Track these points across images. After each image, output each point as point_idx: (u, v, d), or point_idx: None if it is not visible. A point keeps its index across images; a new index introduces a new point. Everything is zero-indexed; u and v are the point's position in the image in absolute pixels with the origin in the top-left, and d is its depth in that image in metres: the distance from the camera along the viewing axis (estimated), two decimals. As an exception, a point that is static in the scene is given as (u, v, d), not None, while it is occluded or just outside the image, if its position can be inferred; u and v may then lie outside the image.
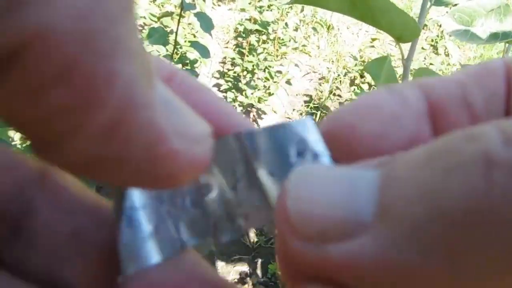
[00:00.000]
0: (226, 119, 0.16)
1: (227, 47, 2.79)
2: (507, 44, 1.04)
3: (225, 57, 2.70)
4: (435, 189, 0.10)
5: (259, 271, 1.55)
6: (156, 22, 1.70)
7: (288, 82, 2.45)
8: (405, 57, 0.68)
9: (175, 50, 1.85)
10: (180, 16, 1.11)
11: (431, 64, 3.11)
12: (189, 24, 2.06)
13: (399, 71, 0.69)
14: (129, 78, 0.10)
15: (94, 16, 0.10)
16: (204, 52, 1.26)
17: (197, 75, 1.96)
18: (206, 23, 1.10)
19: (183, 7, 1.09)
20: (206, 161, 0.13)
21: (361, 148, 0.14)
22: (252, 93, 2.28)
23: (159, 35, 1.21)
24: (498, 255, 0.09)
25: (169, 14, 1.56)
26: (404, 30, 0.62)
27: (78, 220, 0.15)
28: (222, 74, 2.56)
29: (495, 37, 0.88)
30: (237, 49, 2.47)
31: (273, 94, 2.42)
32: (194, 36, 2.06)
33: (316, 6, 0.57)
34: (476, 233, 0.09)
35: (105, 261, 0.15)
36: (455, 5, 0.83)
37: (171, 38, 1.33)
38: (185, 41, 1.74)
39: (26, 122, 0.10)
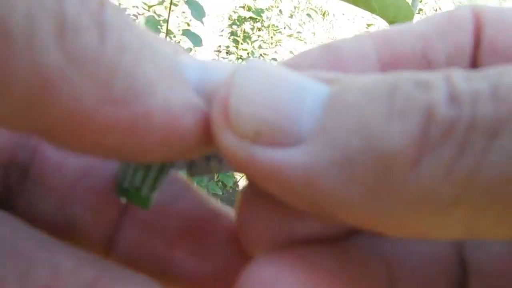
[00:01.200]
0: None
1: (221, 35, 2.77)
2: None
3: (219, 46, 2.68)
4: (376, 128, 0.10)
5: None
6: (148, 11, 1.68)
7: (283, 69, 2.43)
8: (399, 40, 0.67)
9: (169, 39, 1.83)
10: (171, 4, 1.10)
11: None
12: (183, 12, 2.04)
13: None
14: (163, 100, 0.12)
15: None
16: (196, 40, 1.24)
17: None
18: (198, 11, 1.09)
19: (175, -6, 1.07)
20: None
21: None
22: (247, 81, 2.26)
23: (150, 24, 1.19)
24: (414, 201, 0.10)
25: (161, 2, 1.54)
26: (397, 13, 0.60)
27: (85, 159, 0.16)
28: (217, 63, 2.54)
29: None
30: (232, 37, 2.45)
31: (268, 82, 2.40)
32: (188, 25, 2.04)
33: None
34: (399, 179, 0.10)
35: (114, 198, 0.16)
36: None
37: (165, 27, 1.31)
38: (179, 30, 1.72)
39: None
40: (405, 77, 0.11)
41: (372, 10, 0.63)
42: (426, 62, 0.13)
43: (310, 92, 0.11)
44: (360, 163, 0.10)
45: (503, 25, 0.13)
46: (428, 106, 0.10)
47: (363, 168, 0.10)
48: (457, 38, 0.13)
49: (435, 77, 0.10)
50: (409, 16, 0.62)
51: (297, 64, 0.14)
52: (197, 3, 1.12)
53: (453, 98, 0.10)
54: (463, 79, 0.10)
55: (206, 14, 1.14)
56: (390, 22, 0.62)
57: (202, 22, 1.13)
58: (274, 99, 0.11)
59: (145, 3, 1.72)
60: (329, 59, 0.14)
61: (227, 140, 0.12)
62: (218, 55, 2.64)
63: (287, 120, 0.11)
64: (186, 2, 1.13)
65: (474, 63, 0.13)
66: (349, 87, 0.11)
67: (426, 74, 0.10)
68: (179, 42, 1.89)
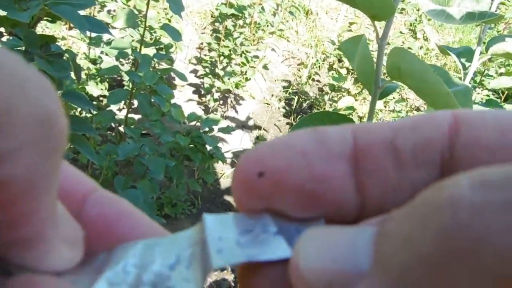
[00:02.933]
0: (137, 226, 0.18)
1: (204, 33, 2.74)
2: (483, 25, 1.02)
3: (202, 43, 2.65)
4: (415, 238, 0.11)
5: None
6: (127, 5, 1.65)
7: (265, 67, 2.42)
8: (380, 36, 0.65)
9: (149, 35, 1.80)
10: (150, -3, 1.07)
11: (409, 48, 3.10)
12: (165, 9, 2.01)
13: (376, 54, 0.67)
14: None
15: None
16: (175, 35, 1.22)
17: (172, 60, 1.91)
18: (176, 5, 1.07)
19: (154, -12, 1.05)
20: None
21: (268, 182, 0.15)
22: (229, 79, 2.24)
23: (127, 18, 1.16)
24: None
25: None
26: (379, 7, 0.59)
27: None
28: (199, 60, 2.51)
29: (471, 17, 0.86)
30: (214, 34, 2.43)
31: (250, 79, 2.38)
32: (169, 21, 2.02)
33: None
34: (452, 270, 0.11)
35: None
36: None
37: (145, 22, 1.28)
38: (159, 26, 1.69)
39: None
40: (429, 189, 0.12)
41: (353, 4, 0.62)
42: (393, 148, 0.15)
43: (362, 235, 0.13)
44: (411, 275, 0.11)
45: (479, 124, 0.14)
46: (451, 196, 0.11)
47: (417, 274, 0.11)
48: (428, 131, 0.15)
49: (457, 177, 0.11)
50: (390, 11, 0.61)
51: (289, 143, 0.15)
52: (176, -4, 1.10)
53: (474, 185, 0.11)
54: (481, 173, 0.11)
55: (189, 11, 1.12)
56: (372, 17, 0.61)
57: (180, 16, 1.11)
58: (333, 251, 0.13)
59: (124, -2, 1.69)
60: (317, 139, 0.15)
61: None
62: (200, 52, 2.61)
63: (349, 264, 0.13)
64: (165, -5, 1.10)
65: (449, 157, 0.15)
66: (388, 219, 0.13)
67: (448, 178, 0.12)
68: (159, 37, 1.86)
